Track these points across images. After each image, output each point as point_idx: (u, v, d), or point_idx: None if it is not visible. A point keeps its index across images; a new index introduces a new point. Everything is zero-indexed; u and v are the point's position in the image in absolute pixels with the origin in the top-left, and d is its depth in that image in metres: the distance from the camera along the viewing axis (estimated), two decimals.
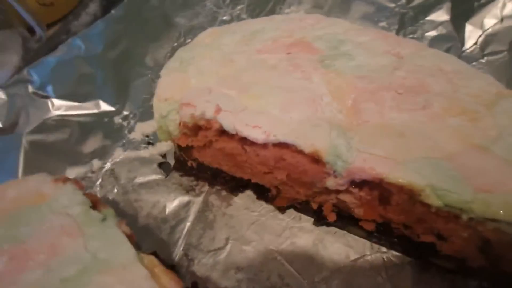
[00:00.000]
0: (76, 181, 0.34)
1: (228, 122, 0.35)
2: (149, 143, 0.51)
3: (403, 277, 0.35)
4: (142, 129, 0.53)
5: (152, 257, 0.28)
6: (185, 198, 0.45)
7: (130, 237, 0.29)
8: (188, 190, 0.45)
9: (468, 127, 0.32)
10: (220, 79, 0.41)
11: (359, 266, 0.37)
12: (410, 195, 0.30)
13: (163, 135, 0.42)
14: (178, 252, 0.40)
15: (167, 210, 0.44)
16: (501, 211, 0.27)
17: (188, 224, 0.43)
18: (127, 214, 0.44)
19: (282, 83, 0.39)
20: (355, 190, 0.33)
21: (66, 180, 0.33)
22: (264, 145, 0.35)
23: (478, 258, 0.30)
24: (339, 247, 0.38)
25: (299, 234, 0.40)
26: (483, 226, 0.28)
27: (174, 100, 0.40)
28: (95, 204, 0.31)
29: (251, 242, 0.40)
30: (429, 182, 0.28)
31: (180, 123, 0.39)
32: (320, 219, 0.39)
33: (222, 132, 0.37)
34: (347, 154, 0.32)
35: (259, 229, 0.41)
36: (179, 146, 0.43)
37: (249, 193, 0.44)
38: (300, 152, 0.33)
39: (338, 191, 0.34)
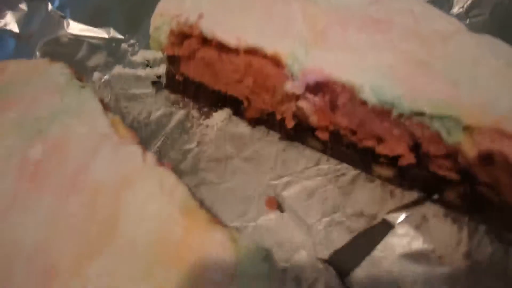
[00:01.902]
0: (69, 66, 0.39)
1: (207, 26, 0.39)
2: (147, 66, 0.56)
3: (349, 185, 0.39)
4: (144, 54, 0.58)
5: (117, 117, 0.33)
6: (169, 109, 0.49)
7: (104, 105, 0.34)
8: (174, 103, 0.50)
9: (417, 49, 0.34)
10: (212, 1, 0.45)
11: (310, 172, 0.40)
12: (352, 93, 0.33)
13: (154, 44, 0.46)
14: (153, 149, 0.45)
15: (151, 117, 0.49)
16: (425, 105, 0.29)
17: (167, 129, 0.47)
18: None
19: (264, 5, 0.42)
20: (310, 96, 0.37)
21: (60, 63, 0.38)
22: (236, 52, 0.39)
23: (409, 155, 0.32)
24: (297, 157, 0.42)
25: (265, 145, 0.44)
26: (410, 121, 0.30)
27: (168, 14, 0.44)
28: (80, 79, 0.36)
29: (219, 147, 0.44)
30: (368, 81, 0.31)
31: (169, 32, 0.43)
32: (283, 131, 0.42)
33: (204, 42, 0.41)
34: (304, 59, 0.35)
35: (229, 138, 0.45)
36: (169, 60, 0.47)
37: (227, 110, 0.48)
38: (265, 57, 0.37)
39: (297, 98, 0.38)
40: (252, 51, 0.38)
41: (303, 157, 0.42)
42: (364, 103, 0.32)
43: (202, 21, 0.40)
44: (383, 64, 0.33)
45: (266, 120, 0.45)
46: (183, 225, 0.26)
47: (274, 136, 0.45)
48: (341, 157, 0.41)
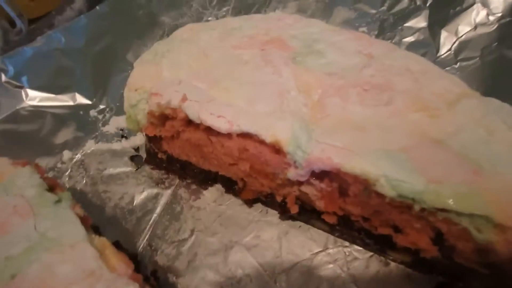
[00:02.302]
0: (36, 165, 0.34)
1: (193, 111, 0.35)
2: (122, 137, 0.51)
3: (363, 271, 0.35)
4: (117, 123, 0.53)
5: (104, 239, 0.28)
6: (154, 191, 0.45)
7: (84, 220, 0.29)
8: (158, 183, 0.45)
9: (427, 123, 0.33)
10: (192, 72, 0.41)
11: (320, 259, 0.37)
12: (366, 185, 0.30)
13: (131, 124, 0.42)
14: (142, 243, 0.40)
15: (135, 202, 0.44)
16: (451, 201, 0.27)
17: (155, 215, 0.42)
18: (94, 204, 0.44)
19: (252, 77, 0.39)
20: (316, 182, 0.33)
21: (25, 164, 0.33)
22: (229, 136, 0.35)
23: (432, 249, 0.30)
24: (303, 240, 0.38)
25: (265, 227, 0.40)
26: (434, 217, 0.28)
27: (144, 90, 0.40)
28: (52, 187, 0.31)
29: (216, 234, 0.40)
30: (384, 173, 0.29)
31: (148, 112, 0.39)
32: (285, 213, 0.39)
33: (189, 123, 0.37)
34: (307, 145, 0.32)
35: (225, 222, 0.41)
36: (149, 138, 0.43)
37: (218, 187, 0.44)
38: (263, 142, 0.33)
39: (300, 183, 0.34)
40: (247, 136, 0.34)
41: (308, 239, 0.38)
42: (380, 195, 0.30)
43: (186, 104, 0.36)
44: (395, 148, 0.30)
45: (264, 201, 0.41)
46: None
47: (274, 215, 0.41)
48: (351, 239, 0.37)
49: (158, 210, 0.43)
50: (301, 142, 0.32)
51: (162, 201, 0.44)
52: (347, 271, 0.36)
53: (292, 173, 0.33)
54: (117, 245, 0.34)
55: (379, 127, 0.32)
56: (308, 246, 0.38)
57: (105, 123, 0.53)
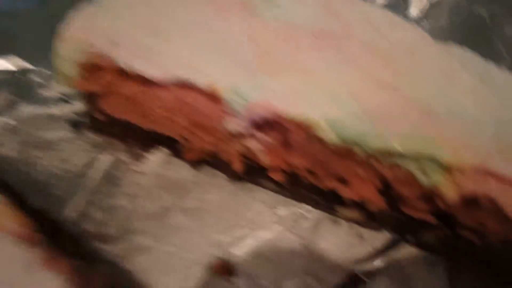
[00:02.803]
0: None
1: (125, 58, 0.32)
2: (63, 101, 0.47)
3: (311, 231, 0.33)
4: (58, 87, 0.48)
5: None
6: (92, 155, 0.41)
7: None
8: (98, 148, 0.41)
9: (381, 69, 0.30)
10: (132, 21, 0.37)
11: (266, 220, 0.34)
12: (307, 131, 0.27)
13: (61, 78, 0.38)
14: (71, 209, 0.36)
15: (70, 167, 0.40)
16: (396, 143, 0.24)
17: (90, 181, 0.38)
18: (22, 171, 0.40)
19: (199, 26, 0.36)
20: (259, 135, 0.31)
21: None
22: (164, 86, 0.32)
23: (378, 200, 0.27)
24: (249, 201, 0.35)
25: (211, 190, 0.37)
26: (379, 162, 0.25)
27: (74, 40, 0.36)
28: None
29: (155, 198, 0.37)
30: (325, 116, 0.26)
31: (78, 64, 0.35)
32: (231, 173, 0.36)
33: (122, 74, 0.34)
34: (247, 92, 0.29)
35: (167, 186, 0.38)
36: (86, 97, 0.39)
37: (163, 150, 0.41)
38: (200, 91, 0.30)
39: (243, 137, 0.31)
40: (182, 84, 0.31)
41: (256, 201, 0.36)
42: (322, 141, 0.27)
43: (117, 50, 0.32)
44: (342, 91, 0.28)
45: (211, 161, 0.38)
46: None
47: (222, 178, 0.38)
48: (300, 198, 0.35)
49: (94, 175, 0.39)
50: (241, 89, 0.29)
51: (100, 166, 0.40)
52: (294, 231, 0.33)
53: (231, 124, 0.30)
54: (41, 211, 0.30)
55: (327, 73, 0.30)
56: (255, 207, 0.35)
57: (45, 87, 0.48)
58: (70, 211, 0.36)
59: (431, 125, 0.25)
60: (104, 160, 0.40)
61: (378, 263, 0.30)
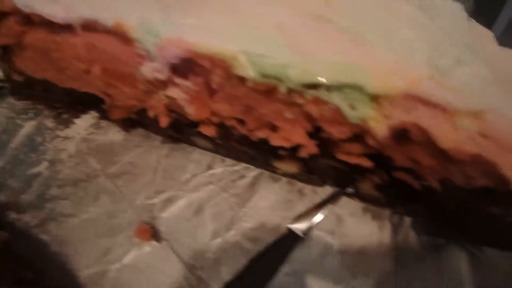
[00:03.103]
0: None
1: None
2: None
3: (247, 189, 0.30)
4: None
5: None
6: (14, 121, 0.37)
7: None
8: (20, 114, 0.37)
9: (317, 3, 0.27)
10: None
11: (200, 180, 0.31)
12: (227, 70, 0.24)
13: None
14: None
15: None
16: (319, 74, 0.21)
17: (9, 148, 0.34)
18: None
19: None
20: (180, 81, 0.27)
21: None
22: (73, 32, 0.28)
23: (309, 144, 0.25)
24: (183, 163, 0.32)
25: (142, 153, 0.33)
26: (304, 98, 0.22)
27: None
28: None
29: (80, 163, 0.33)
30: (242, 48, 0.23)
31: None
32: (165, 134, 0.33)
33: (27, 21, 0.30)
34: (161, 29, 0.25)
35: (95, 150, 0.34)
36: (0, 57, 0.35)
37: (92, 114, 0.37)
38: (109, 32, 0.26)
39: (164, 85, 0.28)
40: (90, 26, 0.27)
41: (190, 162, 0.33)
42: (243, 80, 0.24)
43: None
44: (267, 24, 0.24)
45: (140, 121, 0.34)
46: None
47: (155, 140, 0.35)
48: (237, 156, 0.32)
49: (14, 143, 0.35)
50: (153, 26, 0.25)
51: (22, 132, 0.36)
52: (230, 190, 0.30)
53: (146, 68, 0.27)
54: None
55: (250, 6, 0.26)
56: (189, 168, 0.32)
57: None
58: None
59: (360, 53, 0.22)
60: (27, 126, 0.36)
61: (317, 218, 0.27)
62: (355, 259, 0.26)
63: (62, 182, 0.32)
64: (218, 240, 0.27)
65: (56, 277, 0.26)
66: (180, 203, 0.30)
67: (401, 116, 0.20)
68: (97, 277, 0.26)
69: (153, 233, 0.28)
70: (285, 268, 0.26)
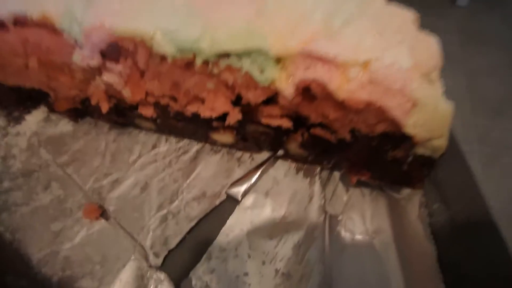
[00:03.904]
0: None
1: None
2: None
3: (189, 163, 0.32)
4: None
5: None
6: None
7: None
8: None
9: None
10: None
11: (145, 160, 0.33)
12: (147, 48, 0.25)
13: None
14: None
15: None
16: (226, 43, 0.23)
17: None
18: None
19: None
20: (112, 65, 0.29)
21: None
22: (6, 28, 0.29)
23: (233, 111, 0.27)
24: (129, 145, 0.34)
25: (90, 140, 0.35)
26: (219, 67, 0.24)
27: None
28: None
29: (29, 156, 0.34)
30: (158, 26, 0.24)
31: None
32: (111, 120, 0.34)
33: None
34: (80, 15, 0.27)
35: (44, 142, 0.35)
36: None
37: (42, 109, 0.38)
38: (38, 24, 0.28)
39: (99, 72, 0.29)
40: (21, 21, 0.28)
41: (137, 143, 0.34)
42: (163, 57, 0.25)
43: None
44: (178, 1, 0.26)
45: (86, 110, 0.36)
46: None
47: (103, 127, 0.36)
48: (179, 133, 0.34)
49: None
50: (77, 13, 0.27)
51: None
52: (174, 165, 0.32)
53: (77, 56, 0.28)
54: None
55: None
56: (136, 149, 0.34)
57: None
58: None
59: (262, 21, 0.23)
60: None
61: (253, 180, 0.29)
62: (287, 215, 0.28)
63: (14, 175, 0.33)
64: (163, 212, 0.29)
65: (8, 263, 0.28)
66: (127, 183, 0.31)
67: (302, 75, 0.22)
68: (48, 258, 0.28)
69: (101, 213, 0.30)
70: (225, 230, 0.28)
